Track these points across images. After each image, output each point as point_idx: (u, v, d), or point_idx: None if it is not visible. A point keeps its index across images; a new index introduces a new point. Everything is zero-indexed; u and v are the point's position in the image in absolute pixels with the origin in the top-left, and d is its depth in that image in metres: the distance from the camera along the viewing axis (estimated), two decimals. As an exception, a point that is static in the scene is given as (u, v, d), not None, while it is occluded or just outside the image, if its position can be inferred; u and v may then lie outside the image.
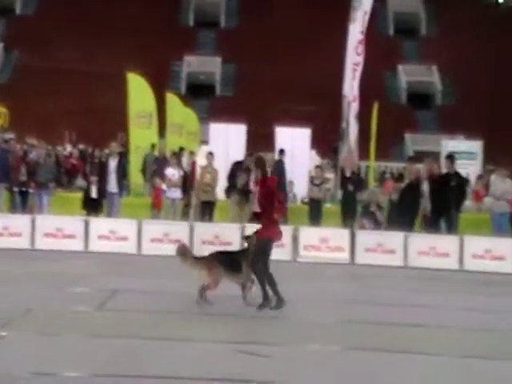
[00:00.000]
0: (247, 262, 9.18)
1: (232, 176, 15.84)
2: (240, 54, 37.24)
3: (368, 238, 13.90)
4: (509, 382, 6.61)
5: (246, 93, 35.24)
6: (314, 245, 13.72)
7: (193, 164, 17.15)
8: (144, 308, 8.94)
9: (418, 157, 18.96)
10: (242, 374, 6.37)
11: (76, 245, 13.66)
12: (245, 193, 15.41)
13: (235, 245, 13.71)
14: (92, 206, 15.23)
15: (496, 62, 35.96)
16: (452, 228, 14.77)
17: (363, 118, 17.99)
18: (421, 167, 16.09)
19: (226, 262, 9.20)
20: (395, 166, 26.44)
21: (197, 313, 8.79)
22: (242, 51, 37.09)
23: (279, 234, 9.33)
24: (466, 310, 9.72)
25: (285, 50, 36.84)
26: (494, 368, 7.04)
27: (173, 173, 15.66)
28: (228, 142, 19.71)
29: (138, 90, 18.59)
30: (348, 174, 15.80)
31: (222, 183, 16.06)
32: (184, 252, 9.43)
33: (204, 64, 38.48)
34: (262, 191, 9.27)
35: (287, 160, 17.58)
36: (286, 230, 14.00)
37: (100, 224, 14.05)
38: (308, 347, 7.51)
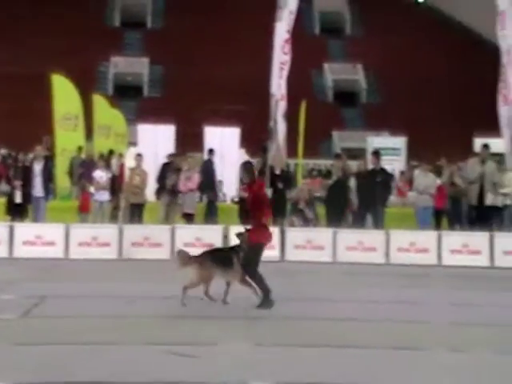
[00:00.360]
0: (238, 259, 9.33)
1: (161, 177, 15.76)
2: (167, 54, 37.02)
3: (297, 235, 14.07)
4: (437, 371, 6.79)
5: (174, 93, 35.07)
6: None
7: (121, 166, 16.98)
8: (73, 313, 8.80)
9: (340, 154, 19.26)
10: (172, 376, 6.35)
11: (0, 251, 13.32)
12: (174, 193, 15.36)
13: (165, 246, 13.67)
14: (16, 211, 14.88)
15: (418, 61, 36.93)
16: (378, 223, 15.12)
17: (291, 116, 18.17)
18: (348, 164, 16.42)
19: (218, 259, 9.37)
20: (323, 163, 26.83)
21: (128, 316, 8.72)
22: (170, 52, 36.89)
23: (269, 237, 9.54)
24: (394, 302, 9.95)
25: (212, 50, 36.84)
26: (423, 357, 7.23)
27: (101, 175, 15.46)
28: (156, 142, 19.60)
29: (64, 92, 18.27)
30: (277, 172, 15.94)
31: (151, 184, 15.95)
32: (184, 257, 9.53)
33: (131, 65, 38.08)
34: (249, 196, 9.48)
35: (216, 159, 17.62)
36: (216, 230, 14.10)
37: (25, 229, 13.75)
38: (239, 345, 7.54)
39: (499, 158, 16.29)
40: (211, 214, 15.99)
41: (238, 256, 9.33)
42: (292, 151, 19.02)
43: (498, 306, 9.84)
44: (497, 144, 16.66)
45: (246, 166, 9.68)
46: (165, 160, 16.42)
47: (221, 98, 33.44)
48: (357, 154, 21.74)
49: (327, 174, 16.72)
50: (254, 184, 9.51)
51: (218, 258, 9.42)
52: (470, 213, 14.59)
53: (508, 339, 8.09)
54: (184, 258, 9.52)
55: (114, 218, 15.53)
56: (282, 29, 17.34)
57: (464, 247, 13.34)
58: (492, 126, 16.79)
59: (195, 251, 13.27)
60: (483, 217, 14.35)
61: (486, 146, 15.13)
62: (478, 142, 16.67)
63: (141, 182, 15.28)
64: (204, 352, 7.19)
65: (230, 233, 13.83)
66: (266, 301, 9.19)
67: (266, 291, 9.20)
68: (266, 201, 9.57)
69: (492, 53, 19.86)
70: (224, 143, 19.96)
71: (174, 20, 39.44)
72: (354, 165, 16.75)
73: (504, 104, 15.83)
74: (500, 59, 16.15)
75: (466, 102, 33.16)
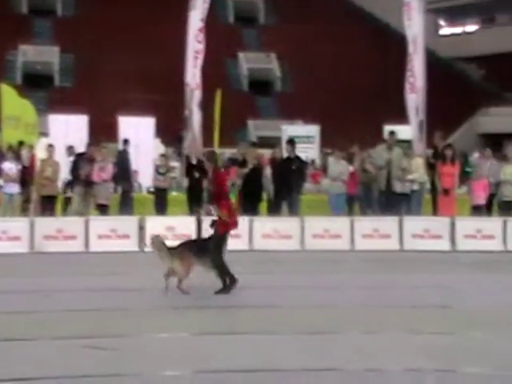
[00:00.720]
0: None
1: (75, 168, 15.46)
2: (78, 43, 36.15)
3: (215, 224, 14.07)
4: (352, 353, 7.00)
5: (86, 83, 34.33)
6: (160, 234, 13.69)
7: (32, 157, 16.53)
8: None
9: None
10: (88, 370, 6.29)
11: None
12: (88, 184, 15.10)
13: (79, 238, 13.44)
14: None
15: (330, 50, 37.56)
16: (294, 210, 15.36)
17: (207, 105, 18.17)
18: (262, 152, 16.60)
19: (196, 248, 9.70)
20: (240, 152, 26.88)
21: (41, 311, 8.55)
22: (81, 40, 36.03)
23: (234, 225, 9.81)
24: (309, 288, 10.14)
25: (125, 39, 36.23)
26: (338, 341, 7.43)
27: (10, 167, 15.01)
28: (68, 133, 19.20)
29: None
30: (193, 162, 15.92)
31: (63, 176, 15.62)
32: (160, 246, 9.71)
33: (41, 54, 36.96)
34: (213, 186, 9.76)
35: (132, 149, 17.43)
36: (132, 221, 13.98)
37: None
38: (155, 336, 7.55)
39: (407, 144, 16.82)
40: (126, 204, 15.82)
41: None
42: (208, 141, 19.04)
43: (407, 288, 10.20)
44: (405, 131, 17.20)
45: (210, 156, 9.95)
46: (78, 151, 16.12)
47: (135, 88, 32.98)
48: (272, 142, 21.95)
49: (242, 162, 16.80)
50: (217, 174, 9.78)
51: (196, 247, 9.77)
52: (380, 198, 15.02)
53: (418, 319, 8.41)
54: (159, 244, 9.77)
55: (24, 210, 15.12)
56: (196, 18, 17.29)
57: (375, 232, 13.72)
58: (400, 114, 17.31)
59: (113, 243, 13.28)
60: (392, 202, 14.82)
61: (392, 133, 15.59)
62: (387, 130, 17.14)
63: (53, 173, 14.91)
64: (124, 344, 7.15)
65: (146, 224, 13.76)
66: (226, 288, 9.52)
67: (224, 281, 9.50)
68: (224, 192, 9.74)
69: (399, 42, 20.42)
70: (139, 133, 19.77)
71: (86, 8, 38.55)
72: (268, 153, 16.92)
73: (411, 92, 16.33)
74: (407, 48, 16.64)
75: (376, 90, 33.99)
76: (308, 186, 17.35)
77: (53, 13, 40.46)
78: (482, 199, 14.39)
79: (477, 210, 14.53)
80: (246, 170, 15.69)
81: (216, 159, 9.99)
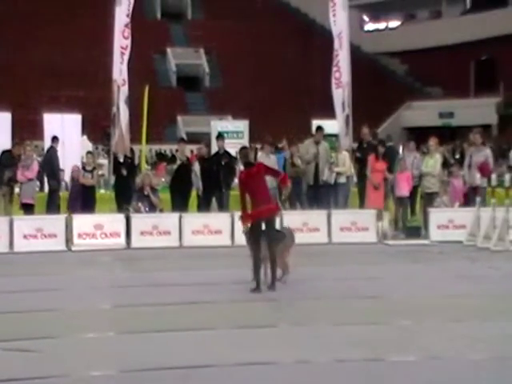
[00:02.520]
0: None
1: (0, 165, 14.99)
2: (1, 38, 35.14)
3: (143, 221, 13.99)
4: (280, 347, 7.07)
5: (9, 80, 33.39)
6: (88, 232, 13.51)
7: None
8: None
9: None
10: (11, 373, 6.13)
11: None
12: (11, 183, 14.70)
13: (3, 238, 13.05)
14: None
15: (257, 45, 37.75)
16: (223, 205, 15.36)
17: (135, 101, 17.95)
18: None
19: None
20: (169, 148, 26.80)
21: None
22: (2, 35, 35.03)
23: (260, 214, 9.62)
24: (236, 283, 10.13)
25: (49, 35, 35.46)
26: (270, 333, 7.51)
27: None
28: (-9, 131, 18.63)
29: None
30: (121, 159, 15.72)
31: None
32: None
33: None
34: (253, 178, 9.53)
35: (58, 147, 17.05)
36: (59, 220, 13.69)
37: None
38: (81, 336, 7.43)
39: (335, 138, 17.06)
40: (53, 203, 15.48)
41: None
42: (137, 137, 18.84)
43: (333, 280, 10.38)
44: (332, 125, 17.44)
45: (242, 151, 10.28)
46: (3, 149, 15.64)
47: (60, 84, 32.33)
48: (201, 138, 21.89)
49: (172, 158, 16.67)
50: (252, 167, 9.71)
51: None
52: (309, 192, 15.19)
53: (347, 311, 8.56)
54: None
55: None
56: (122, 13, 17.01)
57: (304, 225, 13.87)
58: (327, 108, 17.55)
59: (39, 243, 12.98)
60: (318, 195, 15.02)
61: (319, 128, 15.79)
62: (315, 124, 17.34)
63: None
64: (46, 346, 7.01)
65: (73, 222, 13.51)
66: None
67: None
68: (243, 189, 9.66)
69: (325, 38, 20.69)
70: (65, 130, 19.34)
71: (9, 2, 37.46)
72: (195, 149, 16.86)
73: (337, 87, 16.56)
74: (332, 44, 16.86)
75: (304, 85, 34.37)
76: (237, 181, 17.33)
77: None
78: (405, 191, 14.76)
79: (401, 202, 14.90)
80: (174, 166, 15.59)
81: (245, 156, 9.99)
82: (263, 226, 9.61)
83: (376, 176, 14.73)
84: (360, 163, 15.49)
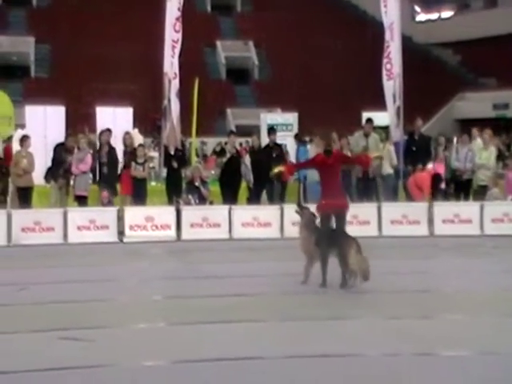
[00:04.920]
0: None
1: (55, 158, 15.28)
2: (53, 33, 35.82)
3: (194, 213, 14.09)
4: (331, 339, 7.03)
5: (63, 73, 34.03)
6: (139, 224, 13.68)
7: (7, 149, 16.34)
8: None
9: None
10: (66, 361, 6.27)
11: None
12: (67, 175, 14.98)
13: (57, 230, 13.32)
14: None
15: (306, 37, 37.54)
16: (273, 198, 15.37)
17: (185, 94, 18.08)
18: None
19: None
20: (219, 141, 26.90)
21: (17, 304, 8.49)
22: (56, 31, 35.70)
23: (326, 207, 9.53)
24: (289, 275, 10.07)
25: (100, 28, 35.95)
26: (308, 328, 7.48)
27: (-14, 159, 14.83)
28: (46, 124, 19.01)
29: None
30: (172, 152, 15.86)
31: (40, 167, 15.46)
32: None
33: (16, 44, 36.55)
34: (328, 168, 9.43)
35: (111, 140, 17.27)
36: (111, 212, 13.89)
37: None
38: (133, 327, 7.54)
39: (386, 130, 16.86)
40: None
41: None
42: (187, 130, 18.97)
43: (384, 274, 10.26)
44: (383, 117, 17.24)
45: (325, 137, 10.14)
46: (57, 142, 15.94)
47: (112, 78, 32.75)
48: (251, 130, 21.91)
49: (221, 151, 16.74)
50: (330, 157, 9.53)
51: None
52: (358, 185, 15.07)
53: (397, 304, 8.46)
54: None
55: (1, 202, 14.96)
56: (173, 6, 17.12)
57: (354, 218, 13.76)
58: (378, 100, 17.35)
59: (91, 234, 13.22)
60: (368, 188, 14.91)
61: (369, 120, 15.63)
62: (365, 116, 17.14)
63: (28, 164, 14.73)
64: (102, 335, 7.14)
65: (125, 214, 13.70)
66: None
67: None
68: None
69: (376, 29, 20.45)
70: (117, 123, 19.58)
71: (60, -3, 38.17)
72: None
73: (388, 79, 16.35)
74: (383, 35, 16.66)
75: (354, 77, 34.05)
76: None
77: (28, 3, 40.00)
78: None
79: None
80: (224, 159, 15.65)
81: (328, 144, 9.81)
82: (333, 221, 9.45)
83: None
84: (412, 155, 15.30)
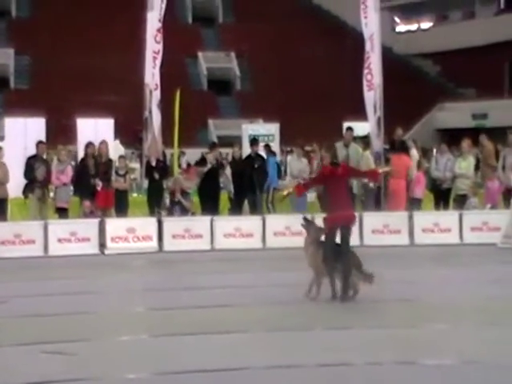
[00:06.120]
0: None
1: (28, 170, 15.11)
2: (33, 44, 35.66)
3: (175, 224, 14.06)
4: (317, 350, 7.04)
5: (43, 85, 33.89)
6: (121, 236, 13.63)
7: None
8: None
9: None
10: (48, 376, 6.21)
11: None
12: (46, 185, 14.85)
13: (38, 242, 13.22)
14: None
15: (288, 48, 37.72)
16: (257, 208, 15.39)
17: (166, 105, 18.07)
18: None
19: None
20: (200, 151, 26.83)
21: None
22: (36, 42, 35.57)
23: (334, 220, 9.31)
24: (269, 285, 10.14)
25: (81, 39, 35.87)
26: (292, 338, 7.48)
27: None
28: (26, 136, 18.90)
29: None
30: (153, 163, 15.83)
31: (21, 180, 15.32)
32: None
33: (-4, 56, 36.40)
34: (336, 179, 9.25)
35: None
36: (92, 224, 13.81)
37: None
38: (116, 339, 7.50)
39: (369, 140, 16.95)
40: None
41: None
42: (168, 141, 18.95)
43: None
44: (364, 128, 17.35)
45: (331, 150, 10.06)
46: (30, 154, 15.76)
47: (93, 89, 32.67)
48: (232, 141, 21.94)
49: (201, 161, 16.71)
50: (338, 168, 9.41)
51: None
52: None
53: (380, 314, 8.50)
54: None
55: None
56: (154, 18, 17.13)
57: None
58: (359, 110, 17.46)
59: (72, 247, 13.14)
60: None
61: (349, 129, 15.74)
62: (346, 126, 17.26)
63: (2, 175, 14.55)
64: (82, 348, 7.09)
65: (106, 226, 13.62)
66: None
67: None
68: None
69: (356, 40, 20.60)
70: (98, 135, 19.52)
71: (41, 9, 38.05)
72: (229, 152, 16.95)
73: (369, 89, 16.45)
74: (364, 46, 16.78)
75: (335, 87, 34.25)
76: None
77: (7, 14, 39.85)
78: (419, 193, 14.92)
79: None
80: (204, 169, 15.65)
81: (334, 156, 9.82)
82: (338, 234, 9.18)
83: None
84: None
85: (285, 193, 10.49)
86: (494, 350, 6.90)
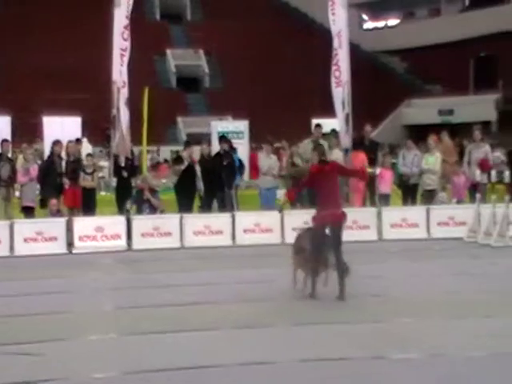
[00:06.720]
0: None
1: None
2: (-1, 42, 35.17)
3: (144, 223, 13.98)
4: (278, 347, 7.08)
5: (8, 83, 33.36)
6: (89, 235, 13.51)
7: None
8: None
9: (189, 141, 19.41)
10: (15, 377, 6.13)
11: None
12: (11, 184, 14.66)
13: (4, 243, 13.04)
14: None
15: (257, 45, 37.73)
16: (227, 206, 15.37)
17: (135, 103, 17.95)
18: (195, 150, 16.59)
19: None
20: (169, 149, 26.77)
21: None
22: (2, 39, 35.01)
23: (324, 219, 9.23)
24: (239, 283, 10.16)
25: (47, 37, 35.43)
26: (262, 335, 7.51)
27: None
28: (-9, 135, 18.63)
29: None
30: (121, 161, 15.72)
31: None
32: None
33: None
34: (324, 176, 9.18)
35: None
36: (60, 223, 13.67)
37: None
38: (84, 339, 7.43)
39: (336, 134, 17.00)
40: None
41: None
42: (138, 139, 18.83)
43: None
44: (333, 124, 17.42)
45: (317, 148, 9.93)
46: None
47: (59, 87, 32.31)
48: (201, 139, 21.88)
49: (177, 159, 16.61)
50: (326, 165, 9.37)
51: None
52: (310, 191, 15.16)
53: (348, 309, 8.54)
54: None
55: None
56: (121, 15, 17.00)
57: (305, 224, 13.80)
58: (328, 107, 17.53)
59: (39, 246, 12.99)
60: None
61: (318, 126, 15.79)
62: (314, 123, 17.30)
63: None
64: (51, 348, 7.02)
65: (74, 225, 13.50)
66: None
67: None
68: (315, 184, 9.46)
69: (324, 37, 20.67)
70: (65, 133, 19.33)
71: (6, 6, 37.45)
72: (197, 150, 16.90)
73: (337, 86, 16.52)
74: (332, 43, 16.85)
75: (304, 84, 34.32)
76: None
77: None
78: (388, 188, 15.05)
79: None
80: (181, 167, 15.57)
81: (321, 153, 9.62)
82: (327, 231, 9.17)
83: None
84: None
85: (281, 203, 10.54)
86: (461, 343, 6.99)
